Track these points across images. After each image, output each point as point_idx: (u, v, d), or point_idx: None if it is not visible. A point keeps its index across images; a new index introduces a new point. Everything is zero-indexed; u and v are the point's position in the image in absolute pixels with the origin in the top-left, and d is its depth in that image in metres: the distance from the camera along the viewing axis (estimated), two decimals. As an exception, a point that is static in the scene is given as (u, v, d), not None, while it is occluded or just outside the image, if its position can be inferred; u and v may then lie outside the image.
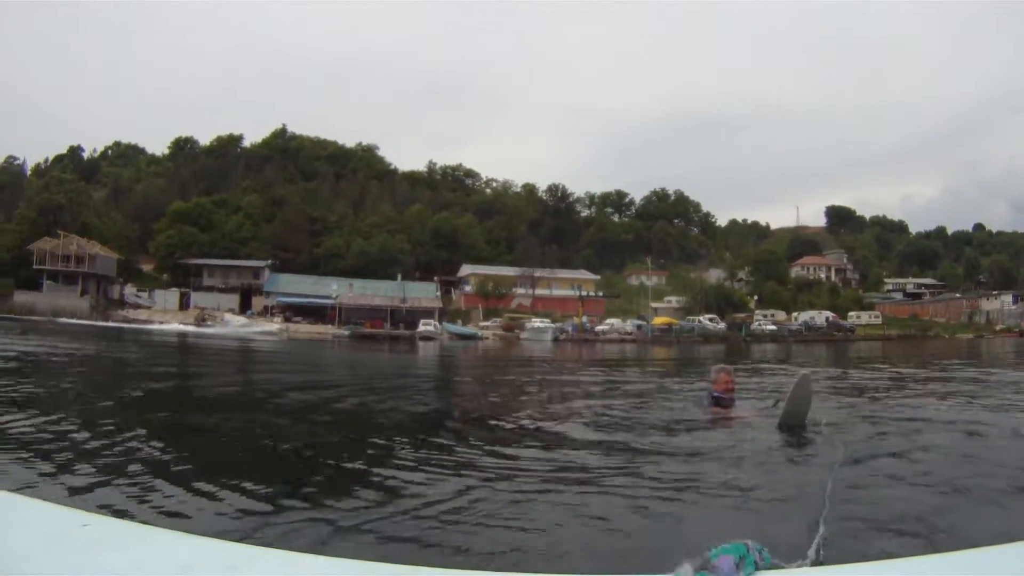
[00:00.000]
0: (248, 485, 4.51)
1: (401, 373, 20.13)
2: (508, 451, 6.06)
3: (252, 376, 17.88)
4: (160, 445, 5.95)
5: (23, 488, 4.08)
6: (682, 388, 12.95)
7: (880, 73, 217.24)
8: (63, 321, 53.87)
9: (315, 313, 69.94)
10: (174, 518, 3.79)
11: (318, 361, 25.41)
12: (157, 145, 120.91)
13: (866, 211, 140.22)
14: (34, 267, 68.82)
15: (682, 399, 10.57)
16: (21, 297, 65.44)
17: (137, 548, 1.47)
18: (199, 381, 14.95)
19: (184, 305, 72.06)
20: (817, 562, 2.15)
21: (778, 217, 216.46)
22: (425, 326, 63.71)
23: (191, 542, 1.75)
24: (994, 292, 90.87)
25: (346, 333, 61.13)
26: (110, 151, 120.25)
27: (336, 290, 71.60)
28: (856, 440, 6.41)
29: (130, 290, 76.10)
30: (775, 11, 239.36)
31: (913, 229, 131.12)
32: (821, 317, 78.53)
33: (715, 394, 8.36)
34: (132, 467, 4.97)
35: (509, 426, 7.77)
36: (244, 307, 72.86)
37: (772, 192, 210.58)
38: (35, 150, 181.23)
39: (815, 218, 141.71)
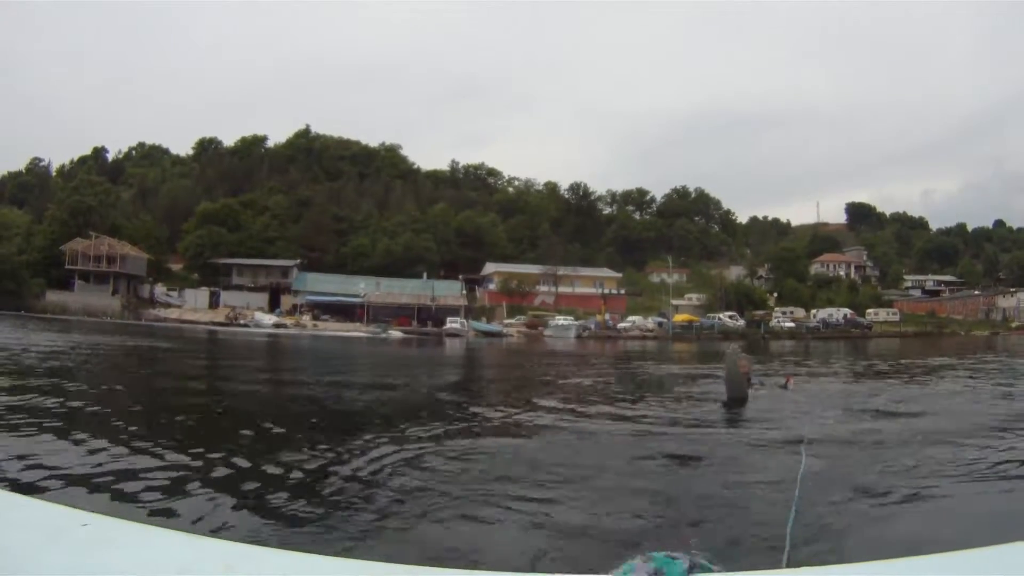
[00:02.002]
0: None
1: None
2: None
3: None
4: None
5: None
6: (697, 376, 14.32)
7: (902, 70, 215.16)
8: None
9: (343, 311, 70.64)
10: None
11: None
12: (181, 146, 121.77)
13: (886, 208, 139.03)
14: (66, 267, 69.83)
15: (693, 386, 11.93)
16: (53, 296, 66.53)
17: (137, 548, 1.51)
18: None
19: (214, 304, 73.37)
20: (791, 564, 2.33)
21: (798, 214, 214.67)
22: (452, 324, 64.44)
23: (190, 542, 1.82)
24: (1011, 289, 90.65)
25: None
26: (134, 152, 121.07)
27: (364, 288, 72.47)
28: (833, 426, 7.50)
29: (160, 289, 76.98)
30: (795, 10, 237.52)
31: (933, 225, 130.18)
32: (839, 314, 79.34)
33: None
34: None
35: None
36: (273, 306, 73.79)
37: (792, 189, 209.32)
38: (60, 151, 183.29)
39: (835, 215, 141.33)
